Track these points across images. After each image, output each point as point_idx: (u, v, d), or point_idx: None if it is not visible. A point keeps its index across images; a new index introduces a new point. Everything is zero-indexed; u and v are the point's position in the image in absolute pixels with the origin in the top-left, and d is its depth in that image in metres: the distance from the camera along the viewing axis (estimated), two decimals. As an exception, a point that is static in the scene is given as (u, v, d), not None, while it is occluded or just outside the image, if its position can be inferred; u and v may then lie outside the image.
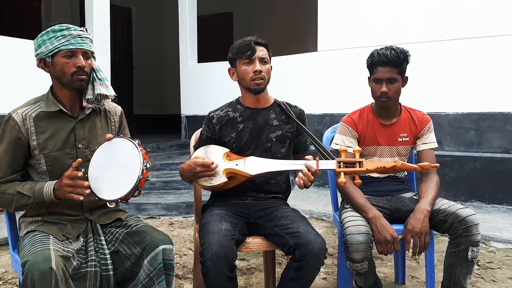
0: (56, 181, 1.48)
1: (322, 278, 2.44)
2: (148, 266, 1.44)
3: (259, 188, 1.85)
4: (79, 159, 1.44)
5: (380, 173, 1.64)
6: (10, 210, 1.54)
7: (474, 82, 4.15)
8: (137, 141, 1.47)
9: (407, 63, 1.90)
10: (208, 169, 1.65)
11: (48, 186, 1.47)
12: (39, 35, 1.52)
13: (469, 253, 1.72)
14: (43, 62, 1.54)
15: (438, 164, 1.66)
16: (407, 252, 1.84)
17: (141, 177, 1.41)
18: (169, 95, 8.17)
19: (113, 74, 5.27)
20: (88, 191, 1.42)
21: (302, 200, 4.13)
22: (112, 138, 1.50)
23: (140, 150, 1.44)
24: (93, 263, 1.44)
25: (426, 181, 1.90)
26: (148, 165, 1.44)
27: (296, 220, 1.67)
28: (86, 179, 1.48)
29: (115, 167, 1.46)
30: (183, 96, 6.45)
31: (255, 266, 2.62)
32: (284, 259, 2.64)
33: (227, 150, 1.77)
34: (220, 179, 1.68)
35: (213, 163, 1.65)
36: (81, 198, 1.42)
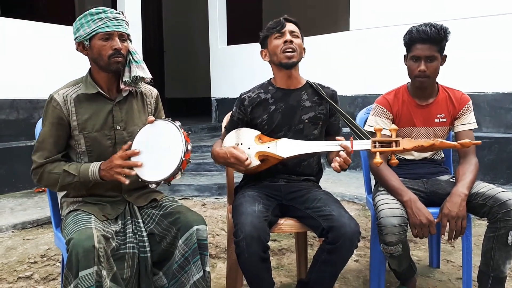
0: (102, 162, 1.52)
1: (355, 260, 2.44)
2: (183, 246, 1.47)
3: (291, 170, 1.84)
4: (130, 142, 1.49)
5: (418, 152, 1.57)
6: (55, 189, 1.58)
7: (516, 60, 3.94)
8: (178, 123, 1.50)
9: (447, 40, 1.83)
10: (240, 164, 1.66)
11: (94, 166, 1.51)
12: (77, 19, 1.55)
13: (509, 238, 1.66)
14: (82, 46, 1.57)
15: (479, 141, 1.56)
16: (442, 236, 1.80)
17: (183, 158, 1.43)
18: (199, 79, 8.22)
19: (144, 58, 5.34)
20: (134, 172, 1.46)
21: (333, 183, 4.10)
22: (154, 120, 1.53)
23: (182, 132, 1.47)
24: (131, 245, 1.48)
25: (464, 163, 1.84)
26: (189, 147, 1.47)
27: (329, 203, 1.66)
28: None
29: (158, 149, 1.49)
30: (213, 79, 6.48)
31: (287, 247, 2.64)
32: (316, 240, 2.65)
33: (259, 132, 1.76)
34: (253, 162, 1.68)
35: (247, 159, 1.66)
36: (127, 182, 1.46)
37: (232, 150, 1.68)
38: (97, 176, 1.50)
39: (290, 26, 1.78)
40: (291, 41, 1.74)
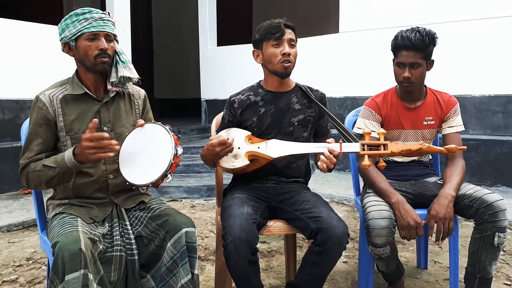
0: (76, 145, 1.44)
1: (343, 262, 2.45)
2: (171, 249, 1.46)
3: (280, 172, 1.84)
4: (95, 120, 1.39)
5: (405, 156, 1.59)
6: (42, 188, 1.54)
7: (501, 63, 4.00)
8: (168, 127, 1.49)
9: (434, 46, 1.83)
10: (226, 146, 1.62)
11: (68, 152, 1.44)
12: (62, 20, 1.54)
13: (496, 239, 1.69)
14: (68, 46, 1.56)
15: (465, 147, 1.60)
16: (430, 237, 1.82)
17: (172, 161, 1.42)
18: (189, 79, 8.19)
19: (134, 58, 5.30)
20: (118, 147, 1.40)
21: (322, 184, 4.11)
22: (144, 124, 1.52)
23: (172, 135, 1.46)
24: (119, 247, 1.46)
25: (451, 166, 1.86)
26: (179, 150, 1.45)
27: (318, 205, 1.66)
28: (116, 163, 1.50)
29: (147, 152, 1.48)
30: (203, 80, 6.46)
31: (276, 249, 2.64)
32: (305, 242, 2.66)
33: (249, 133, 1.76)
34: (242, 161, 1.68)
35: (228, 139, 1.62)
36: (111, 154, 1.38)
37: (211, 142, 1.63)
38: (73, 160, 1.41)
39: (288, 34, 1.74)
40: (289, 54, 1.72)
